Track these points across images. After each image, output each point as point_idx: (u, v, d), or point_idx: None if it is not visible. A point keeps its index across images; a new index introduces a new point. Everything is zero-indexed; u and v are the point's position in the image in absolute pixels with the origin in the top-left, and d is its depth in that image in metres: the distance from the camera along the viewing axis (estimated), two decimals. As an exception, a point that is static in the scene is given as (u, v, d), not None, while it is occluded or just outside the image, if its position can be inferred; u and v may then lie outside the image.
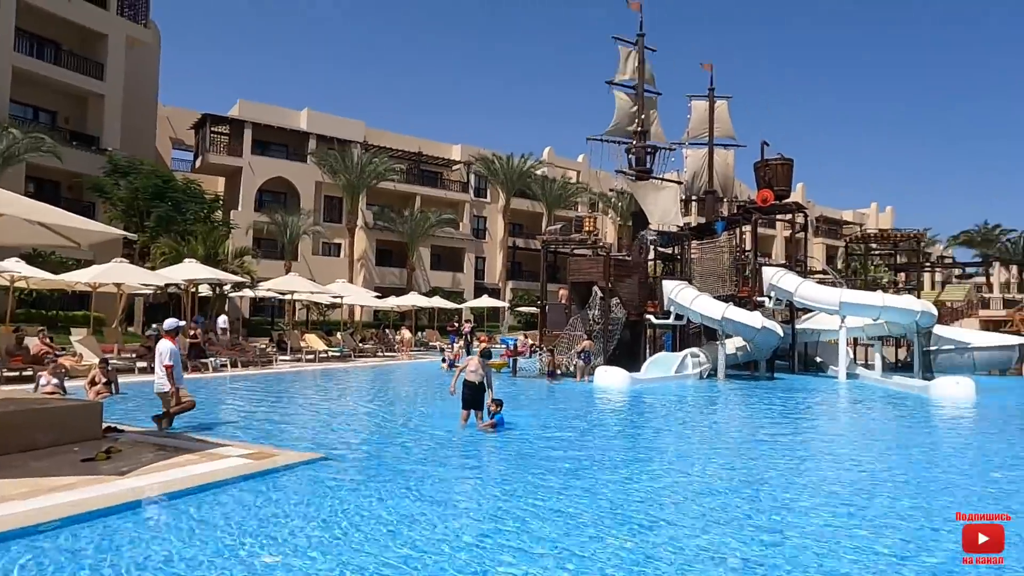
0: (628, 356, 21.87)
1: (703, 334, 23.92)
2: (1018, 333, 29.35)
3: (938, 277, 49.40)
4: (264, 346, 22.94)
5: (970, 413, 14.86)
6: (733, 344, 22.06)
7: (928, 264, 45.63)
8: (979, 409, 15.29)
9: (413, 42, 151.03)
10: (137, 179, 27.63)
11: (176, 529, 5.53)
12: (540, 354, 20.91)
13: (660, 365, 20.38)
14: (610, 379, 17.61)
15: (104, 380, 13.07)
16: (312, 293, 24.78)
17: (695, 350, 21.60)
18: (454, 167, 49.07)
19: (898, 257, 30.51)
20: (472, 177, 49.27)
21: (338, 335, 28.26)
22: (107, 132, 31.85)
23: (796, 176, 26.85)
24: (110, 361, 14.27)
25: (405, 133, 48.23)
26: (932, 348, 24.61)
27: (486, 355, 10.82)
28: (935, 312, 21.86)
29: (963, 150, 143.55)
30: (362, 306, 36.04)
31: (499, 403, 10.50)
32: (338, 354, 25.16)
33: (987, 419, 14.15)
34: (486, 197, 50.20)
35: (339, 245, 42.68)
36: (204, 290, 24.04)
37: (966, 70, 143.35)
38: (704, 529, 5.99)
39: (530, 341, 28.47)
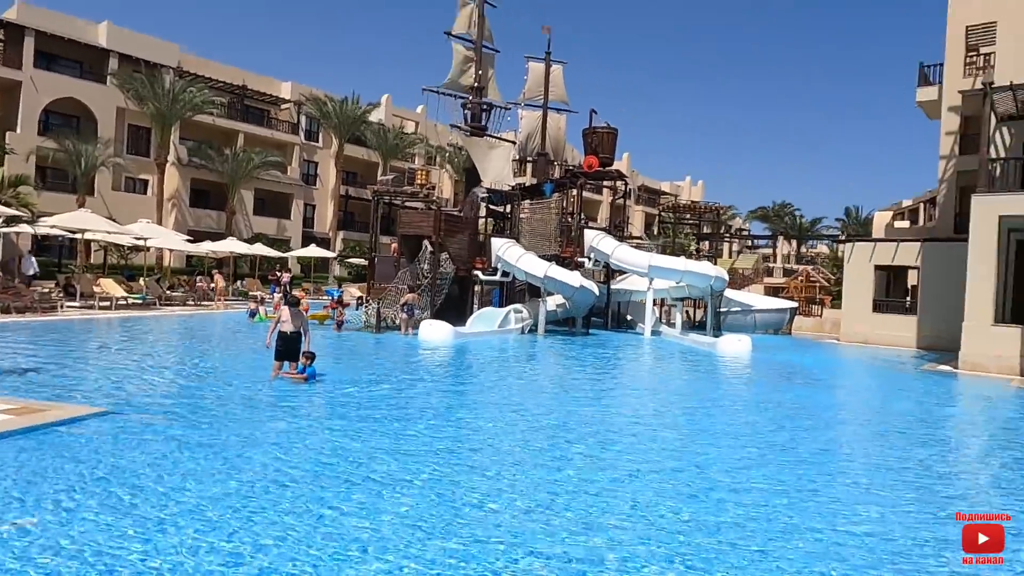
0: (456, 310, 22.23)
1: (528, 291, 24.92)
2: (791, 298, 33.87)
3: (736, 247, 55.48)
4: (47, 290, 20.21)
5: (744, 366, 17.03)
6: (554, 301, 23.22)
7: (727, 235, 51.06)
8: (752, 363, 17.58)
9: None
10: None
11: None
12: (366, 307, 20.57)
13: (484, 320, 20.95)
14: (433, 333, 17.80)
15: None
16: (109, 233, 22.11)
17: (518, 306, 22.45)
18: (283, 106, 45.84)
19: (703, 227, 33.73)
20: (303, 119, 46.40)
21: (141, 281, 25.67)
22: None
23: (622, 146, 28.63)
24: None
25: (229, 64, 44.02)
26: (723, 309, 27.72)
27: (293, 303, 10.48)
28: (727, 277, 24.58)
29: (769, 133, 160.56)
30: (172, 250, 32.98)
31: (310, 356, 10.21)
32: (140, 302, 22.87)
33: (757, 370, 16.32)
34: (318, 141, 47.62)
35: (146, 182, 38.35)
36: (-33, 223, 20.52)
37: (777, 60, 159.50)
38: (498, 475, 6.33)
39: (358, 293, 27.90)
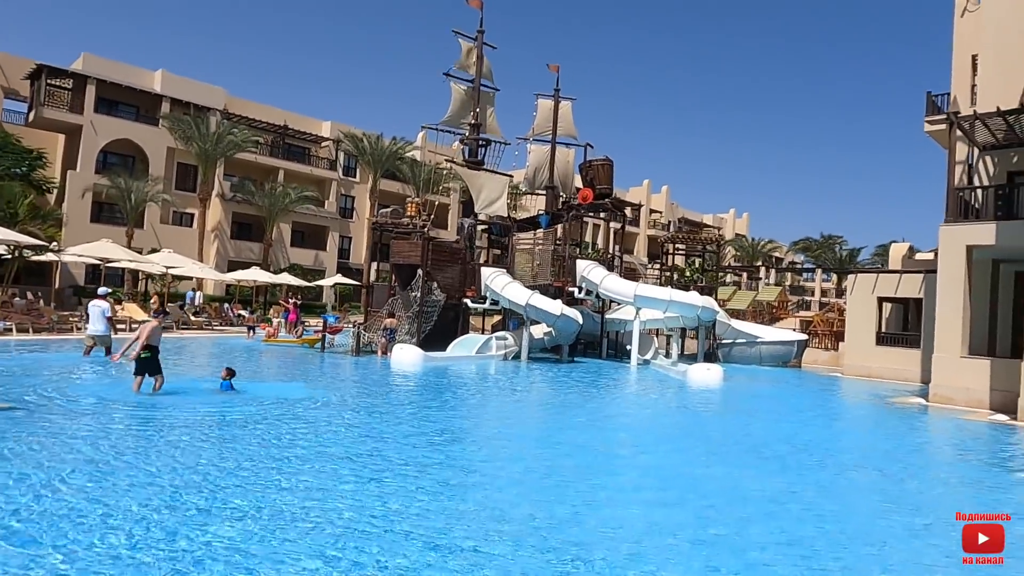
0: (449, 336, 23.12)
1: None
2: (816, 332, 32.98)
3: (773, 279, 54.20)
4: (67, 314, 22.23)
5: (703, 394, 17.03)
6: (540, 329, 23.70)
7: (764, 266, 50.08)
8: (717, 391, 17.54)
9: (288, 15, 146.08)
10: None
11: None
12: (353, 331, 21.66)
13: (464, 345, 21.64)
14: (403, 356, 18.62)
15: None
16: (131, 262, 24.15)
17: (502, 333, 23.07)
18: (323, 144, 48.52)
19: (706, 257, 33.59)
20: (341, 155, 48.92)
21: (168, 307, 27.68)
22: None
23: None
24: None
25: (272, 105, 47.16)
26: (728, 341, 27.42)
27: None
28: (716, 308, 24.44)
29: (816, 162, 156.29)
30: (204, 280, 35.29)
31: (230, 371, 11.18)
32: (158, 325, 24.68)
33: (712, 399, 16.32)
34: (355, 176, 50.03)
35: (192, 215, 41.32)
36: (-1, 250, 22.79)
37: (827, 94, 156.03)
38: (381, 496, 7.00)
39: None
